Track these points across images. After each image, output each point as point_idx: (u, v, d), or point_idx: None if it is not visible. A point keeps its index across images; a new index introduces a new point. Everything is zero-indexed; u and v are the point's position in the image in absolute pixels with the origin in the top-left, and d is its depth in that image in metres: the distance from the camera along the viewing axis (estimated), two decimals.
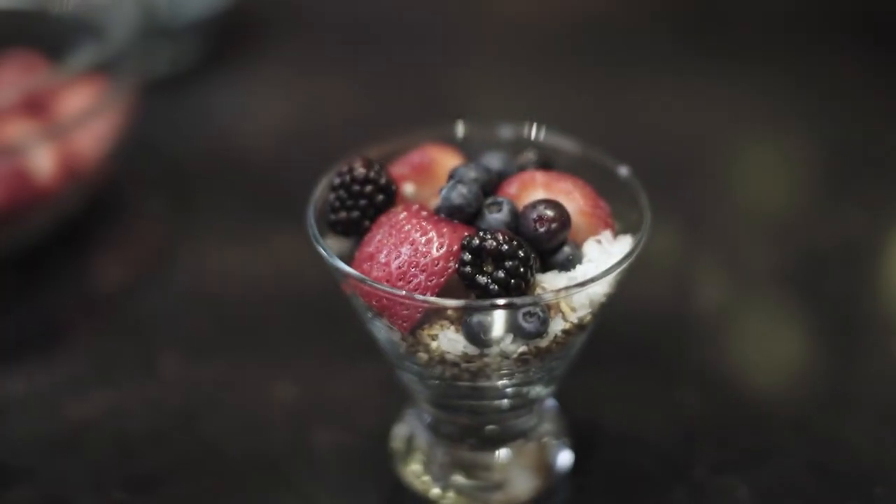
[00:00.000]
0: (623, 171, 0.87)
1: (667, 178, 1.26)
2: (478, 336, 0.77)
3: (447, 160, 0.87)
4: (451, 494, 0.90)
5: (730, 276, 1.18)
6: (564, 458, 0.93)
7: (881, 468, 0.94)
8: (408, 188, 0.86)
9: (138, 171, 1.38)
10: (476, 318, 0.77)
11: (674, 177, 1.30)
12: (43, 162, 1.15)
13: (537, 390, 0.86)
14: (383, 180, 0.83)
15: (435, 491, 0.90)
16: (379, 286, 0.76)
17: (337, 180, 0.84)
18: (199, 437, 0.98)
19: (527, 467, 0.92)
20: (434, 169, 0.87)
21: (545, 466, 0.92)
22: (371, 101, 1.55)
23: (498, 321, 0.77)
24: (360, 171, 0.83)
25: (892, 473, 0.93)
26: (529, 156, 0.88)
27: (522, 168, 0.87)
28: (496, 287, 0.75)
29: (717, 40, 1.72)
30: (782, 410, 1.00)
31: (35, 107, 1.18)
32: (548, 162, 0.88)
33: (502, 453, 0.91)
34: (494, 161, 0.86)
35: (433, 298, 0.76)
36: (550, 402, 0.93)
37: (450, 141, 0.91)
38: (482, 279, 0.75)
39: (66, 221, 1.23)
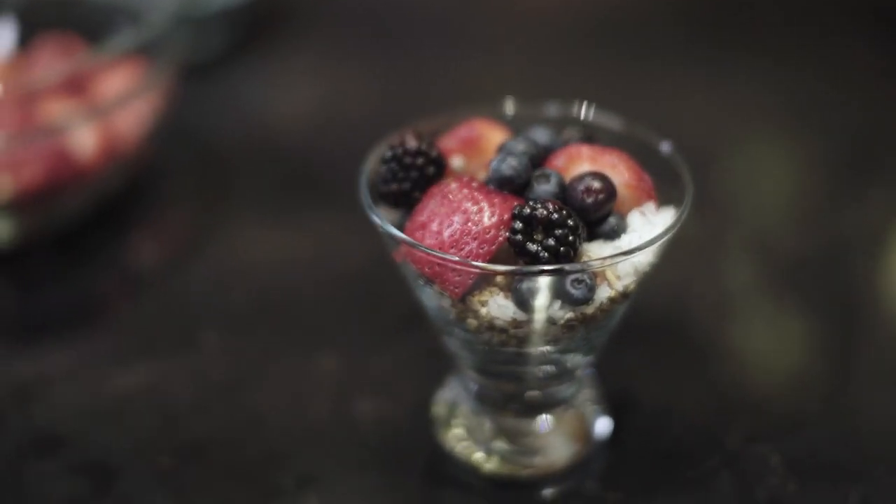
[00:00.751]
0: (665, 146, 0.89)
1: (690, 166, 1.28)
2: (527, 302, 0.80)
3: (494, 135, 0.90)
4: (492, 458, 0.92)
5: (760, 257, 1.20)
6: (602, 426, 0.96)
7: None
8: (455, 161, 0.89)
9: (174, 154, 1.40)
10: (526, 284, 0.79)
11: (696, 165, 1.32)
12: (84, 142, 1.17)
13: (578, 359, 0.89)
14: (434, 153, 0.86)
15: (477, 455, 0.93)
16: (433, 252, 0.79)
17: (389, 153, 0.86)
18: (242, 407, 1.01)
19: (566, 434, 0.94)
20: (481, 143, 0.89)
21: (584, 434, 0.95)
22: (396, 89, 1.58)
23: (546, 287, 0.79)
24: (412, 143, 0.85)
25: None
26: (573, 131, 0.90)
27: (567, 142, 0.89)
28: (546, 254, 0.78)
29: (732, 33, 1.75)
30: (812, 384, 1.03)
31: (75, 88, 1.20)
32: (590, 137, 0.91)
33: (543, 420, 0.93)
34: (541, 135, 0.89)
35: (485, 264, 0.78)
36: (590, 372, 0.95)
37: (494, 118, 0.93)
38: (532, 247, 0.78)
39: (105, 202, 1.25)
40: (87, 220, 1.24)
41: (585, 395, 0.96)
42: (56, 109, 1.15)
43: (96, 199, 1.23)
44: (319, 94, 1.58)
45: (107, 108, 1.17)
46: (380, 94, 1.56)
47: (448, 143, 0.89)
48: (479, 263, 0.78)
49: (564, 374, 0.91)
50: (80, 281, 1.18)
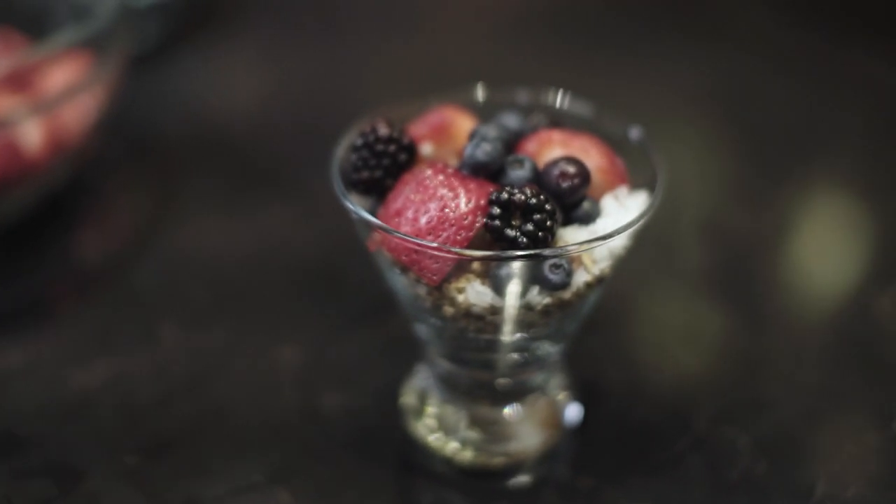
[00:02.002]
0: (633, 132, 0.89)
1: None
2: (505, 287, 0.80)
3: (463, 121, 0.89)
4: (463, 447, 0.92)
5: (716, 241, 1.21)
6: (573, 413, 0.96)
7: (873, 416, 0.97)
8: (426, 148, 0.88)
9: (118, 147, 1.38)
10: (504, 270, 0.79)
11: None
12: (30, 137, 1.14)
13: (550, 347, 0.89)
14: (406, 140, 0.85)
15: (449, 445, 0.93)
16: (412, 239, 0.78)
17: (359, 140, 0.85)
18: (206, 402, 0.99)
19: (537, 422, 0.94)
20: (452, 129, 0.89)
21: (555, 421, 0.95)
22: (340, 76, 1.57)
23: (525, 273, 0.79)
24: (383, 130, 0.85)
25: (884, 421, 0.97)
26: (540, 117, 0.90)
27: (536, 128, 0.89)
28: (525, 239, 0.77)
29: (687, 20, 1.76)
30: (775, 366, 1.04)
31: (19, 83, 1.17)
32: (557, 122, 0.91)
33: (514, 408, 0.93)
34: (511, 121, 0.89)
35: (466, 250, 0.78)
36: (560, 360, 0.95)
37: (456, 104, 0.93)
38: (511, 232, 0.78)
39: (51, 196, 1.22)
40: (34, 215, 1.21)
41: (556, 383, 0.96)
42: (2, 105, 1.13)
43: (42, 193, 1.20)
44: (263, 82, 1.56)
45: (52, 103, 1.14)
46: (324, 81, 1.55)
47: (418, 130, 0.89)
48: (460, 249, 0.78)
49: (536, 362, 0.90)
50: (30, 277, 1.15)
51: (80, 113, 1.21)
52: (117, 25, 1.23)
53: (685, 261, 1.19)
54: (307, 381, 1.01)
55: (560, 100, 0.95)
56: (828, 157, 1.39)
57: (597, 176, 0.84)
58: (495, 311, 0.81)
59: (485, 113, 0.92)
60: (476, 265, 0.80)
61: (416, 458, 0.94)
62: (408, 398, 0.96)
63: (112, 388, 1.00)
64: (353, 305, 1.10)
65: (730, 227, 1.24)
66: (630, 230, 0.81)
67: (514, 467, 0.93)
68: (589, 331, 0.95)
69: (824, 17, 1.73)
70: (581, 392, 0.98)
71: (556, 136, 0.86)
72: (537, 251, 0.77)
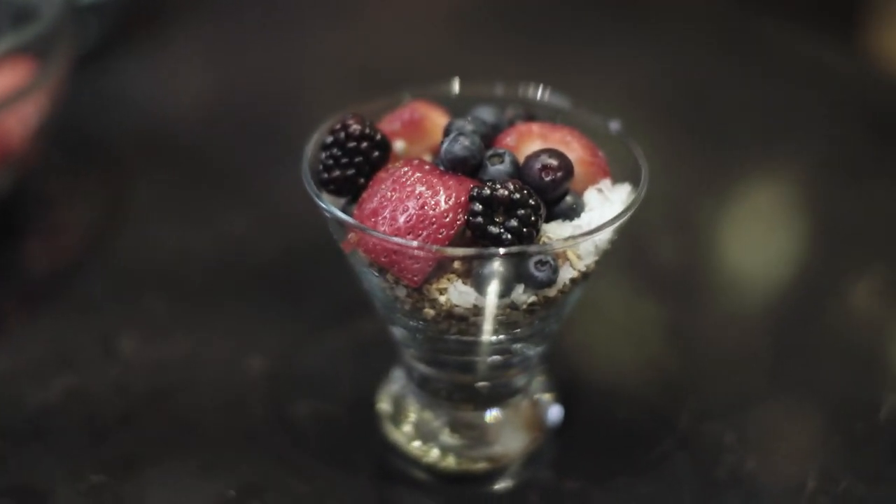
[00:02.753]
0: (614, 125, 0.87)
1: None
2: (489, 286, 0.77)
3: (437, 116, 0.87)
4: (444, 453, 0.90)
5: (692, 235, 1.20)
6: (555, 415, 0.93)
7: (860, 407, 0.96)
8: (398, 145, 0.85)
9: (62, 152, 1.33)
10: (488, 268, 0.76)
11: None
12: None
13: (531, 348, 0.86)
14: (378, 136, 0.82)
15: (429, 451, 0.90)
16: (392, 239, 0.75)
17: (330, 138, 0.82)
18: (172, 416, 0.95)
19: (519, 425, 0.92)
20: (425, 125, 0.86)
21: (537, 423, 0.92)
22: (286, 72, 1.54)
23: (510, 270, 0.76)
24: (355, 127, 0.81)
25: (870, 411, 0.95)
26: (516, 110, 0.88)
27: (512, 121, 0.86)
28: (509, 236, 0.75)
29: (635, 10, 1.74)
30: (757, 361, 1.02)
31: None
32: (532, 116, 0.88)
33: (494, 412, 0.90)
34: (486, 115, 0.86)
35: (449, 248, 0.75)
36: (541, 362, 0.92)
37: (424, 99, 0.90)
38: (494, 229, 0.75)
39: None
40: None
41: (537, 385, 0.93)
42: None
43: None
44: (207, 82, 1.53)
45: None
46: (269, 78, 1.51)
47: (390, 125, 0.86)
48: (443, 248, 0.75)
49: (517, 364, 0.88)
50: None
51: (22, 119, 1.16)
52: (60, 28, 1.18)
53: (658, 256, 1.17)
54: (276, 391, 0.97)
55: (533, 93, 0.92)
56: (790, 145, 1.38)
57: (579, 169, 0.81)
58: (478, 311, 0.78)
59: (455, 108, 0.89)
60: (458, 264, 0.77)
61: (394, 465, 0.91)
62: (384, 404, 0.93)
63: (72, 404, 0.96)
64: (320, 310, 1.07)
65: (700, 221, 1.23)
66: (618, 224, 0.78)
67: (498, 472, 0.90)
68: (567, 332, 0.92)
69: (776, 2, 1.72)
70: (562, 394, 0.95)
71: (536, 128, 0.84)
72: (523, 248, 0.75)
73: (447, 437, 0.90)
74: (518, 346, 0.85)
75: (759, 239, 1.21)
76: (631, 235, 1.07)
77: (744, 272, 1.14)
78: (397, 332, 0.86)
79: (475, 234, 0.76)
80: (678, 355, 1.03)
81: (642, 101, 1.45)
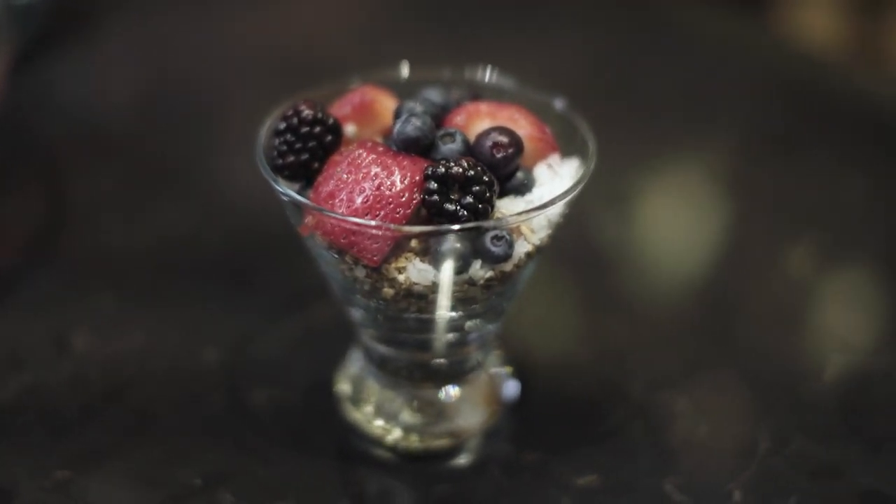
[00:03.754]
0: (558, 103, 0.89)
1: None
2: (447, 263, 0.78)
3: (385, 100, 0.88)
4: (405, 433, 0.91)
5: (632, 203, 1.22)
6: (511, 389, 0.95)
7: (805, 369, 1.00)
8: (349, 129, 0.86)
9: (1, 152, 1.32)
10: (446, 245, 0.77)
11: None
12: None
13: (487, 324, 0.88)
14: (331, 120, 0.83)
15: (389, 431, 0.91)
16: (351, 219, 0.76)
17: (282, 124, 0.83)
18: (131, 408, 0.95)
19: (477, 400, 0.93)
20: (375, 108, 0.87)
21: (494, 398, 0.94)
22: (217, 61, 1.54)
23: (467, 246, 0.78)
24: (307, 112, 0.82)
25: (815, 373, 0.99)
26: (461, 91, 0.89)
27: (460, 101, 0.87)
28: (465, 213, 0.76)
29: None
30: (703, 329, 1.05)
31: None
32: (477, 96, 0.89)
33: (453, 388, 0.91)
34: (434, 96, 0.87)
35: (409, 227, 0.76)
36: (496, 337, 0.94)
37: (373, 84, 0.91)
38: (450, 206, 0.76)
39: None
40: None
41: (493, 361, 0.94)
42: None
43: None
44: (140, 77, 1.51)
45: None
46: (201, 70, 1.51)
47: (340, 110, 0.87)
48: (402, 226, 0.76)
49: (473, 341, 0.89)
50: None
51: None
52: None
53: (601, 230, 1.18)
54: (233, 380, 0.98)
55: (478, 74, 0.93)
56: (719, 119, 1.41)
57: (528, 145, 0.83)
58: (437, 288, 0.80)
59: (401, 92, 0.90)
60: (415, 243, 0.78)
61: (356, 446, 0.92)
62: (343, 386, 0.94)
63: (29, 402, 0.96)
64: (271, 299, 1.07)
65: (640, 195, 1.25)
66: (570, 197, 0.80)
67: (459, 448, 0.91)
68: (520, 308, 0.94)
69: None
70: (517, 369, 0.97)
71: (484, 107, 0.85)
72: (479, 223, 0.76)
73: (408, 416, 0.91)
74: (474, 322, 0.86)
75: (698, 211, 1.23)
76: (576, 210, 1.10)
77: (686, 244, 1.17)
78: (356, 313, 0.87)
79: (431, 213, 0.77)
80: (627, 327, 1.05)
81: (569, 82, 1.47)
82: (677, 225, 1.20)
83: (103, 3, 1.71)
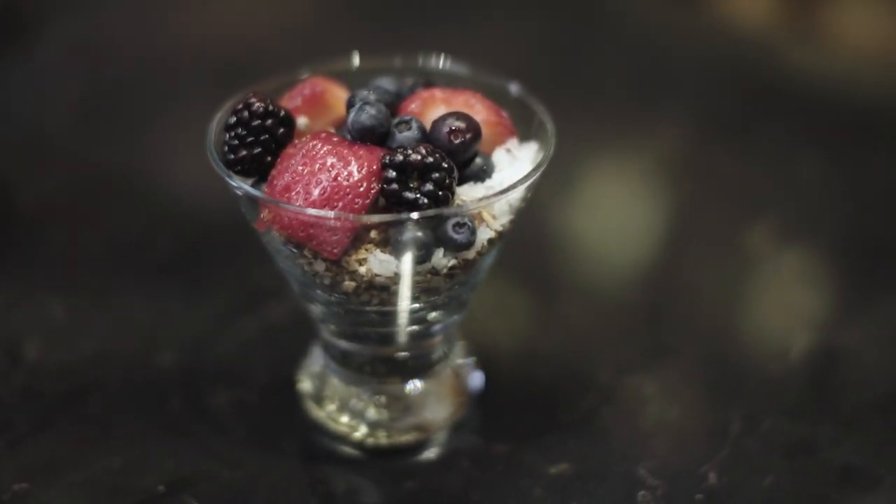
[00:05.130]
0: (514, 87, 0.87)
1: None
2: (409, 253, 0.77)
3: (336, 90, 0.86)
4: (370, 429, 0.89)
5: (593, 186, 1.21)
6: (476, 381, 0.93)
7: (771, 348, 1.00)
8: (300, 121, 0.84)
9: None
10: (407, 234, 0.76)
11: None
12: None
13: (450, 315, 0.87)
14: (283, 112, 0.81)
15: (354, 427, 0.90)
16: (309, 211, 0.74)
17: (233, 118, 0.81)
18: (87, 416, 0.93)
19: (442, 393, 0.92)
20: (326, 99, 0.85)
21: (460, 390, 0.93)
22: (151, 61, 1.51)
23: (429, 235, 0.76)
24: (258, 105, 0.80)
25: (782, 351, 0.99)
26: (415, 78, 0.88)
27: (413, 89, 0.86)
28: (426, 200, 0.75)
29: None
30: (666, 312, 1.04)
31: None
32: (430, 83, 0.88)
33: (418, 382, 0.90)
34: (387, 84, 0.85)
35: (370, 216, 0.75)
36: (458, 329, 0.92)
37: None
38: (410, 195, 0.75)
39: None
40: None
41: (456, 353, 0.93)
42: None
43: None
44: (74, 81, 1.47)
45: None
46: (136, 70, 1.48)
47: (290, 102, 0.85)
48: (362, 217, 0.74)
49: (435, 333, 0.87)
50: None
51: None
52: None
53: (554, 217, 1.17)
54: (191, 383, 0.96)
55: (430, 61, 0.92)
56: (667, 105, 1.40)
57: (485, 130, 0.81)
58: (399, 279, 0.78)
59: (351, 81, 0.88)
60: (374, 233, 0.77)
61: (321, 444, 0.90)
62: (305, 384, 0.93)
63: None
64: (225, 299, 1.05)
65: (595, 178, 1.24)
66: (530, 181, 0.78)
67: (426, 442, 0.90)
68: (480, 298, 0.92)
69: None
70: (482, 360, 0.95)
71: (438, 93, 0.84)
72: (440, 210, 0.75)
73: (373, 412, 0.89)
74: (437, 314, 0.84)
75: (654, 193, 1.22)
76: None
77: (643, 227, 1.16)
78: (315, 309, 0.85)
79: (391, 202, 0.75)
80: (588, 313, 1.04)
81: (511, 69, 1.46)
82: (635, 208, 1.19)
83: (39, 6, 1.66)
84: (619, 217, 1.18)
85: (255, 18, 1.64)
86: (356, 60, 0.92)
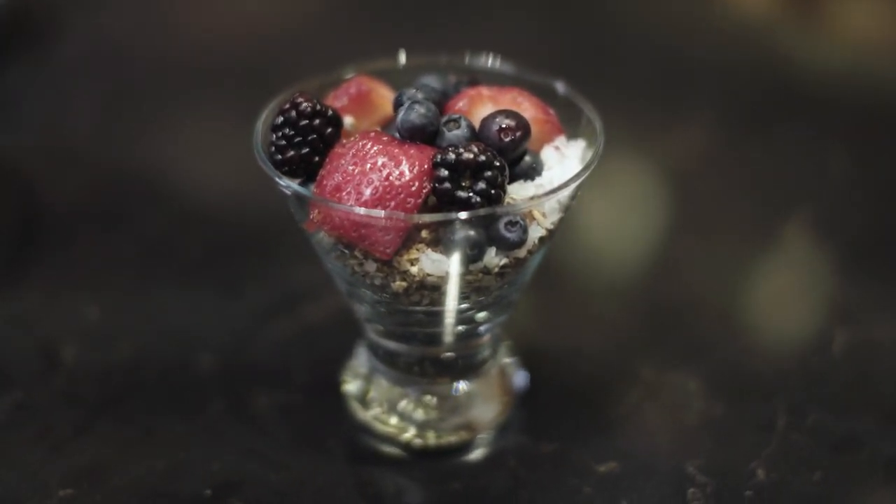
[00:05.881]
0: (560, 86, 0.87)
1: None
2: (462, 252, 0.76)
3: (382, 89, 0.85)
4: (417, 430, 0.89)
5: (634, 186, 1.21)
6: (521, 380, 0.93)
7: (813, 343, 1.00)
8: (346, 121, 0.83)
9: None
10: (459, 234, 0.75)
11: None
12: None
13: (497, 315, 0.86)
14: (330, 112, 0.80)
15: (401, 429, 0.89)
16: (362, 211, 0.74)
17: (280, 119, 0.80)
18: (128, 420, 0.92)
19: (489, 393, 0.91)
20: (373, 98, 0.84)
21: (506, 390, 0.92)
22: (173, 63, 1.50)
23: (481, 234, 0.76)
24: (305, 104, 0.80)
25: (823, 346, 0.99)
26: (460, 76, 0.87)
27: (458, 87, 0.85)
28: (478, 199, 0.74)
29: None
30: (708, 308, 1.04)
31: None
32: (475, 80, 0.87)
33: (464, 382, 0.89)
34: (433, 83, 0.85)
35: (425, 216, 0.74)
36: (504, 328, 0.92)
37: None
38: (463, 193, 0.74)
39: None
40: None
41: (502, 352, 0.92)
42: None
43: None
44: (95, 84, 1.47)
45: None
46: (163, 73, 1.48)
47: (337, 101, 0.84)
48: (415, 216, 0.74)
49: (482, 333, 0.87)
50: None
51: None
52: None
53: (592, 216, 1.17)
54: (232, 385, 0.95)
55: (473, 59, 0.91)
56: (689, 102, 1.40)
57: (534, 127, 0.81)
58: (451, 278, 0.77)
59: (394, 80, 0.87)
60: (426, 233, 0.76)
61: (368, 445, 0.90)
62: (350, 385, 0.92)
63: (22, 420, 0.93)
64: (262, 300, 1.05)
65: (626, 180, 1.24)
66: (581, 179, 0.78)
67: (474, 442, 0.89)
68: (525, 297, 0.92)
69: None
70: (527, 359, 0.95)
71: (485, 91, 0.83)
72: (493, 209, 0.74)
73: (420, 413, 0.89)
74: (484, 314, 0.84)
75: (687, 191, 1.22)
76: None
77: (679, 224, 1.15)
78: (362, 309, 0.85)
79: (443, 201, 0.75)
80: (628, 310, 1.03)
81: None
82: (677, 205, 1.19)
83: (57, 10, 1.65)
84: (654, 215, 1.17)
85: (278, 18, 1.63)
86: (401, 59, 0.91)
